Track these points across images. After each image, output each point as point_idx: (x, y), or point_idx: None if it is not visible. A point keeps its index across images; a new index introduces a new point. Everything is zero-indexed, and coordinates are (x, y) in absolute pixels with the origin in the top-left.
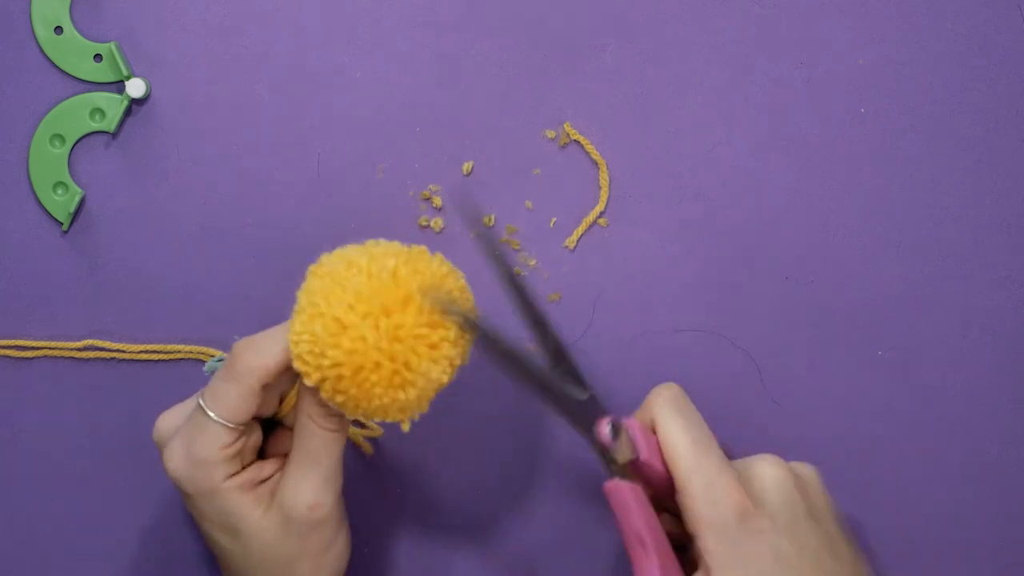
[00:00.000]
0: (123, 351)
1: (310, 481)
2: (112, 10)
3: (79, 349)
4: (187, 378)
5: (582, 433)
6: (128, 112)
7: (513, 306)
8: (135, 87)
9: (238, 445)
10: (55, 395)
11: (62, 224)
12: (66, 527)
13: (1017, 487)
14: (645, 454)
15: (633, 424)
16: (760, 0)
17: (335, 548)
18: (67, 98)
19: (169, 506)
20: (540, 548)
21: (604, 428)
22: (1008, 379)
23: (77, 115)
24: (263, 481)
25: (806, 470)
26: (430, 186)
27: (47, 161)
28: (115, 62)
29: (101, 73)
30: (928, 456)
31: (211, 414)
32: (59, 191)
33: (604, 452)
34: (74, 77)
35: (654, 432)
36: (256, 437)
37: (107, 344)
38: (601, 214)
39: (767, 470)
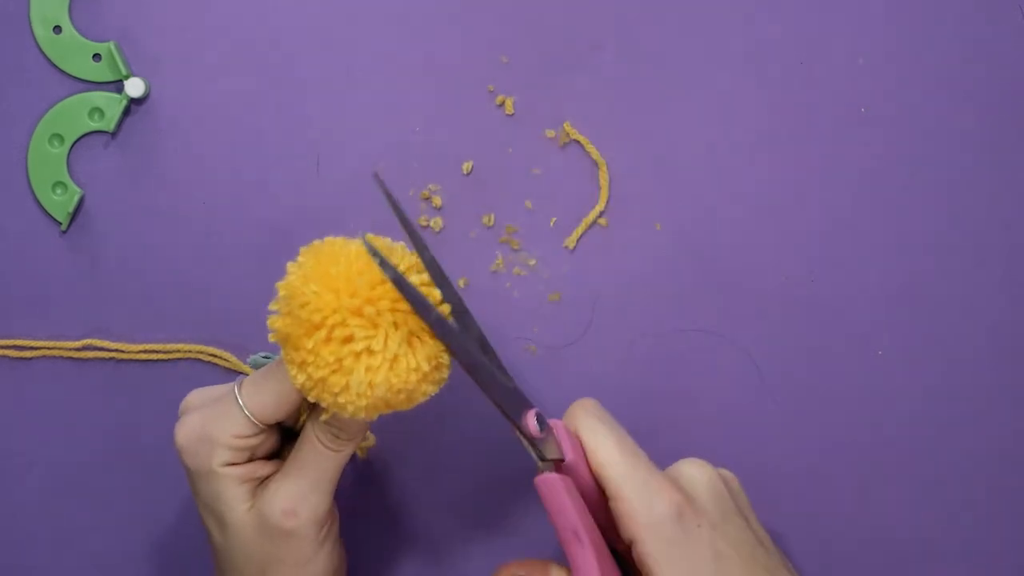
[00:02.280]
0: (122, 351)
1: (290, 487)
2: (111, 9)
3: (78, 349)
4: (187, 378)
5: (511, 422)
6: (127, 112)
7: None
8: (134, 87)
9: (252, 441)
10: (54, 395)
11: (61, 224)
12: (66, 527)
13: (1018, 488)
14: (571, 456)
15: (558, 425)
16: (760, 0)
17: (314, 567)
18: (66, 98)
19: (169, 506)
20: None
21: (531, 419)
22: (1008, 379)
23: (76, 115)
24: (259, 479)
25: (727, 472)
26: (430, 186)
27: (46, 161)
28: (114, 61)
29: (100, 72)
30: (928, 456)
31: (242, 403)
32: (58, 191)
33: (533, 444)
34: (73, 76)
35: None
36: (272, 443)
37: (106, 344)
38: (601, 214)
39: (695, 472)
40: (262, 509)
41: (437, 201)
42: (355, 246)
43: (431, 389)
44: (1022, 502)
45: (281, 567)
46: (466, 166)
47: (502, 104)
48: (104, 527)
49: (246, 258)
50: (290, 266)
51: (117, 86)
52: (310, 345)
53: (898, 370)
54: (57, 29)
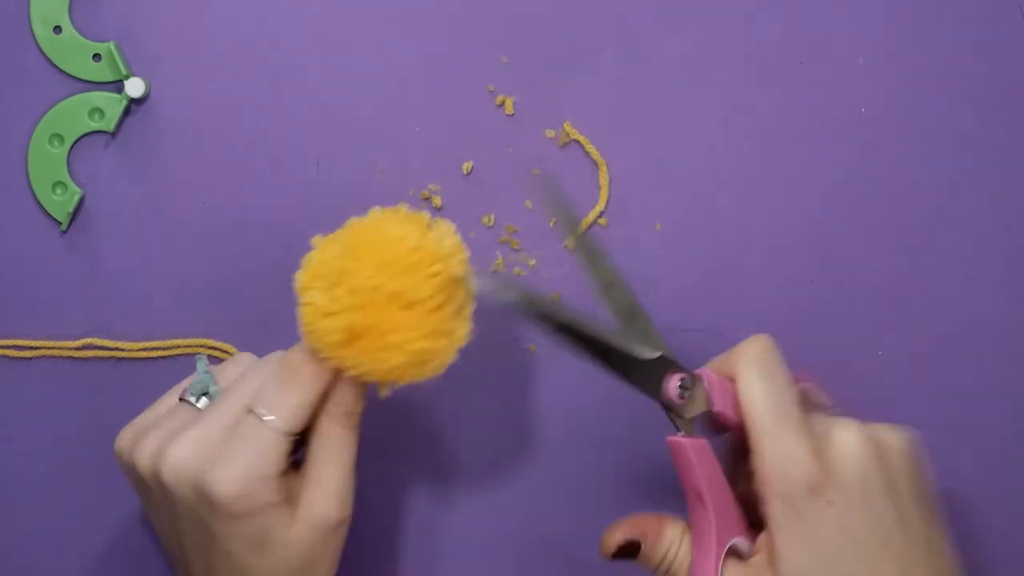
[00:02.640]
0: (122, 349)
1: (337, 485)
2: (111, 9)
3: (78, 348)
4: (186, 375)
5: (647, 392)
6: (127, 112)
7: (584, 267)
8: (134, 87)
9: (288, 458)
10: (54, 395)
11: (61, 224)
12: (65, 527)
13: (1019, 489)
14: (719, 405)
15: (709, 376)
16: (760, 0)
17: (343, 541)
18: (66, 98)
19: None
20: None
21: (673, 384)
22: (1008, 380)
23: (76, 115)
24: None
25: (894, 438)
26: (430, 186)
27: (46, 161)
28: (114, 61)
29: (100, 72)
30: (928, 457)
31: (278, 424)
32: (58, 191)
33: (671, 408)
34: (73, 76)
35: (733, 382)
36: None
37: (106, 343)
38: (601, 214)
39: (845, 439)
40: (318, 518)
41: (437, 201)
42: (374, 224)
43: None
44: (1023, 502)
45: (327, 557)
46: (466, 166)
47: (502, 104)
48: (104, 527)
49: (245, 258)
50: (345, 264)
51: (117, 86)
52: (414, 321)
53: (898, 370)
54: (57, 29)
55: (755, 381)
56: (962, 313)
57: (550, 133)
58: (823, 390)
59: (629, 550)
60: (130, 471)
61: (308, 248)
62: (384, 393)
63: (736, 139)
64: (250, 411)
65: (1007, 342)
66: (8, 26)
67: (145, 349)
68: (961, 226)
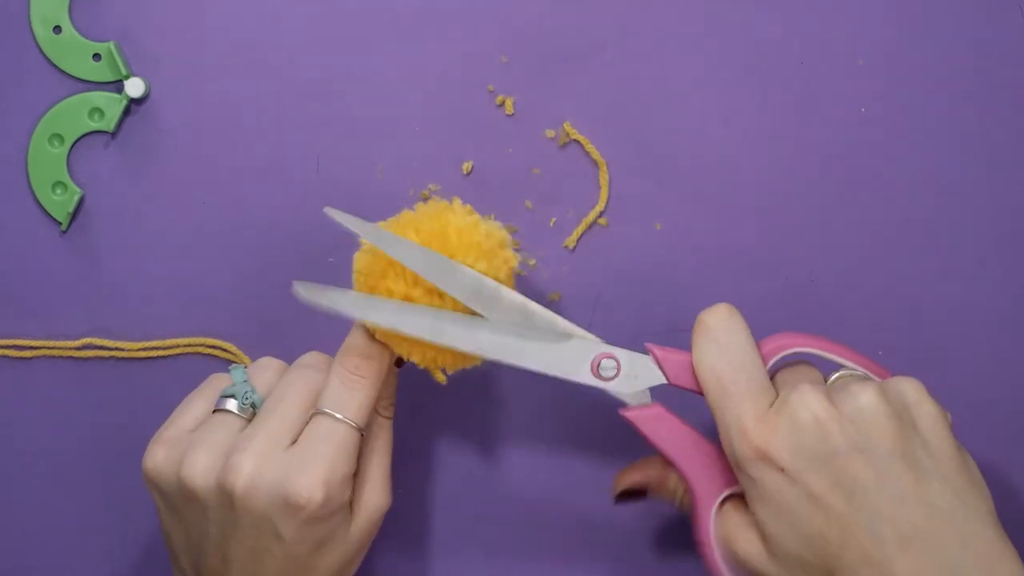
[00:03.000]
0: (122, 349)
1: (386, 474)
2: (111, 9)
3: (78, 348)
4: (187, 374)
5: (568, 377)
6: (127, 112)
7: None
8: (134, 87)
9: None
10: (54, 395)
11: (61, 224)
12: (65, 527)
13: (1019, 490)
14: (674, 379)
15: (655, 351)
16: (760, 0)
17: None
18: (66, 98)
19: None
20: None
21: (595, 368)
22: (1008, 380)
23: (76, 115)
24: None
25: (862, 400)
26: (430, 186)
27: (46, 161)
28: (114, 61)
29: (100, 72)
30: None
31: (351, 423)
32: (58, 191)
33: (609, 385)
34: (73, 76)
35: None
36: None
37: (106, 342)
38: (601, 214)
39: (800, 406)
40: (372, 512)
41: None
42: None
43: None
44: (1023, 502)
45: (366, 548)
46: (466, 166)
47: (502, 104)
48: (104, 527)
49: (245, 258)
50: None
51: (117, 86)
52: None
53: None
54: (57, 29)
55: (704, 350)
56: (962, 313)
57: (550, 133)
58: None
59: (637, 493)
60: (168, 486)
61: (307, 248)
62: (440, 378)
63: (736, 139)
64: (320, 413)
65: (1008, 342)
66: (8, 26)
67: (145, 349)
68: (961, 226)
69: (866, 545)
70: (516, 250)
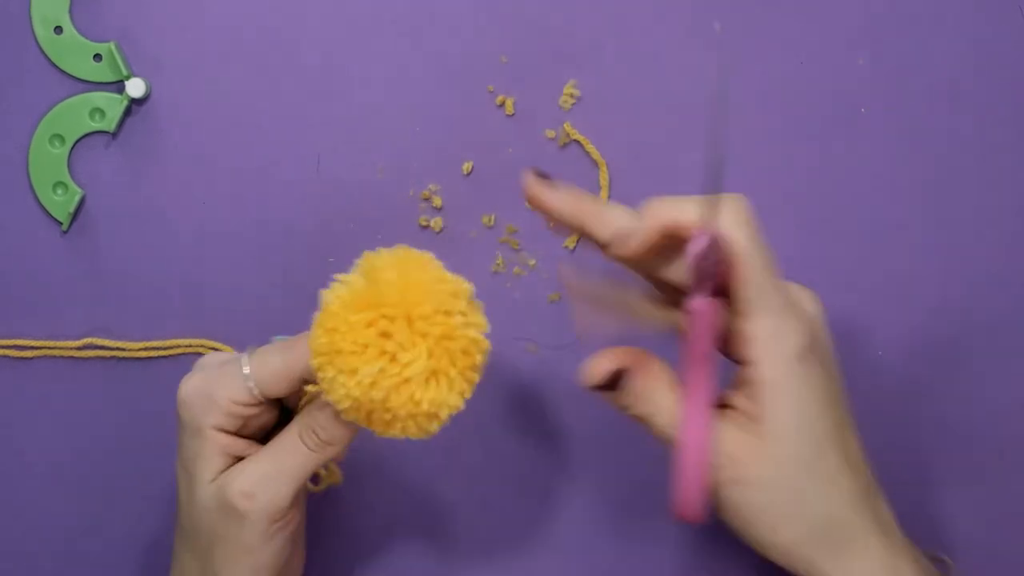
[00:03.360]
0: (123, 349)
1: (255, 470)
2: (112, 10)
3: (78, 348)
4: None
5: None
6: (128, 112)
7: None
8: (135, 87)
9: (247, 411)
10: (55, 395)
11: (62, 224)
12: (65, 527)
13: (1019, 491)
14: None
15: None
16: (760, 0)
17: (257, 557)
18: (67, 98)
19: (169, 506)
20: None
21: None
22: (1009, 381)
23: (77, 115)
24: (237, 458)
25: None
26: (430, 186)
27: (47, 161)
28: (115, 62)
29: (101, 73)
30: (928, 459)
31: (246, 371)
32: (59, 191)
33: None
34: (74, 77)
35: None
36: (267, 419)
37: (106, 342)
38: None
39: (812, 306)
40: (223, 483)
41: (437, 201)
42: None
43: (412, 429)
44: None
45: (225, 546)
46: (466, 166)
47: (502, 104)
48: (104, 527)
49: (245, 258)
50: (382, 256)
51: (118, 86)
52: (354, 318)
53: (898, 370)
54: (58, 29)
55: (748, 242)
56: (962, 313)
57: (550, 133)
58: None
59: (612, 381)
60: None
61: (308, 248)
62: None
63: (736, 139)
64: (245, 354)
65: (1008, 342)
66: (9, 26)
67: (145, 349)
68: (961, 226)
69: None
70: (516, 250)
